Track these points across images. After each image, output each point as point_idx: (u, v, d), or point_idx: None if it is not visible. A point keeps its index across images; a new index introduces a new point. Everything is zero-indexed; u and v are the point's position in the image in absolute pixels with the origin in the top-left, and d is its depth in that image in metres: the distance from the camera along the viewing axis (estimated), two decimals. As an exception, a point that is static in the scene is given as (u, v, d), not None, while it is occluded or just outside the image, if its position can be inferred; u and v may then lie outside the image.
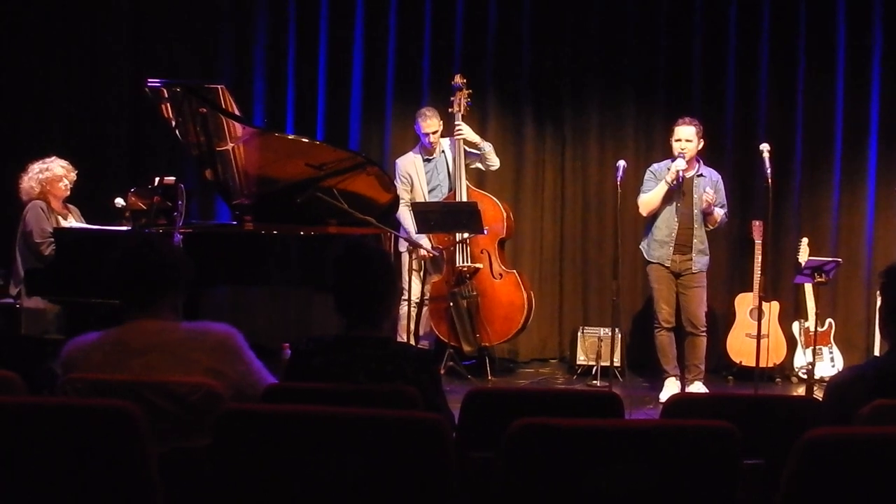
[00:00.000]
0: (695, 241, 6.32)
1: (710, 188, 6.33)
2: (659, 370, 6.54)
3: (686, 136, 6.23)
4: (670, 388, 6.39)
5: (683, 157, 6.18)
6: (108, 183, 7.20)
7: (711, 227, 6.41)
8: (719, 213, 6.37)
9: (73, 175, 6.18)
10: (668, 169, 6.27)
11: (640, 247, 6.52)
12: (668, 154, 6.55)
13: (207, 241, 5.71)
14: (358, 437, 2.36)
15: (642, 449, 2.35)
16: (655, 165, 6.50)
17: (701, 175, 6.37)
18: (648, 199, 6.36)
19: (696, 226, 6.32)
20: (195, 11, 7.64)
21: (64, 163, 6.16)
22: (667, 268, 6.35)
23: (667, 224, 6.33)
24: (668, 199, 6.30)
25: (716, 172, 6.48)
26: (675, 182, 6.21)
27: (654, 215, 6.37)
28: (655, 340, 6.50)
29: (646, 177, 6.47)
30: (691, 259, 6.33)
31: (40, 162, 6.12)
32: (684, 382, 6.44)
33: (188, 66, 7.48)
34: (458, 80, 6.87)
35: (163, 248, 3.00)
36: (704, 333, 6.43)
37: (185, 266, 3.02)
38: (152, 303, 2.92)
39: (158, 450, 2.45)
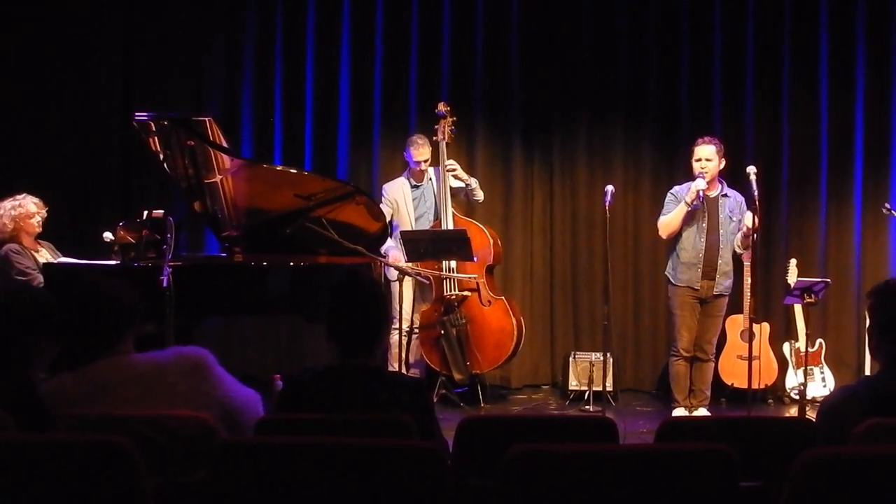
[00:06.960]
0: (720, 262, 6.26)
1: (736, 209, 6.31)
2: (651, 394, 6.51)
3: (706, 156, 6.20)
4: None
5: (704, 177, 6.13)
6: (98, 217, 7.19)
7: (742, 250, 6.32)
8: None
9: (44, 212, 6.14)
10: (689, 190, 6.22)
11: (666, 272, 6.44)
12: (670, 178, 6.52)
13: (197, 273, 5.68)
14: (355, 467, 2.35)
15: (640, 473, 2.35)
16: (677, 188, 6.42)
17: (725, 195, 6.33)
18: (668, 220, 6.28)
19: (721, 247, 6.26)
20: (185, 43, 7.65)
21: (36, 199, 6.12)
22: (695, 291, 6.27)
23: (693, 246, 6.25)
24: (690, 219, 6.23)
25: (739, 194, 6.40)
26: (694, 203, 6.17)
27: (676, 237, 6.28)
28: (671, 369, 6.45)
29: (666, 199, 6.39)
30: (715, 281, 6.28)
31: (11, 199, 6.06)
32: (689, 409, 6.38)
33: (178, 97, 7.49)
34: (441, 107, 6.86)
35: (110, 290, 3.03)
36: (712, 359, 6.47)
37: (135, 301, 3.06)
38: (115, 341, 2.96)
39: (153, 483, 2.43)
